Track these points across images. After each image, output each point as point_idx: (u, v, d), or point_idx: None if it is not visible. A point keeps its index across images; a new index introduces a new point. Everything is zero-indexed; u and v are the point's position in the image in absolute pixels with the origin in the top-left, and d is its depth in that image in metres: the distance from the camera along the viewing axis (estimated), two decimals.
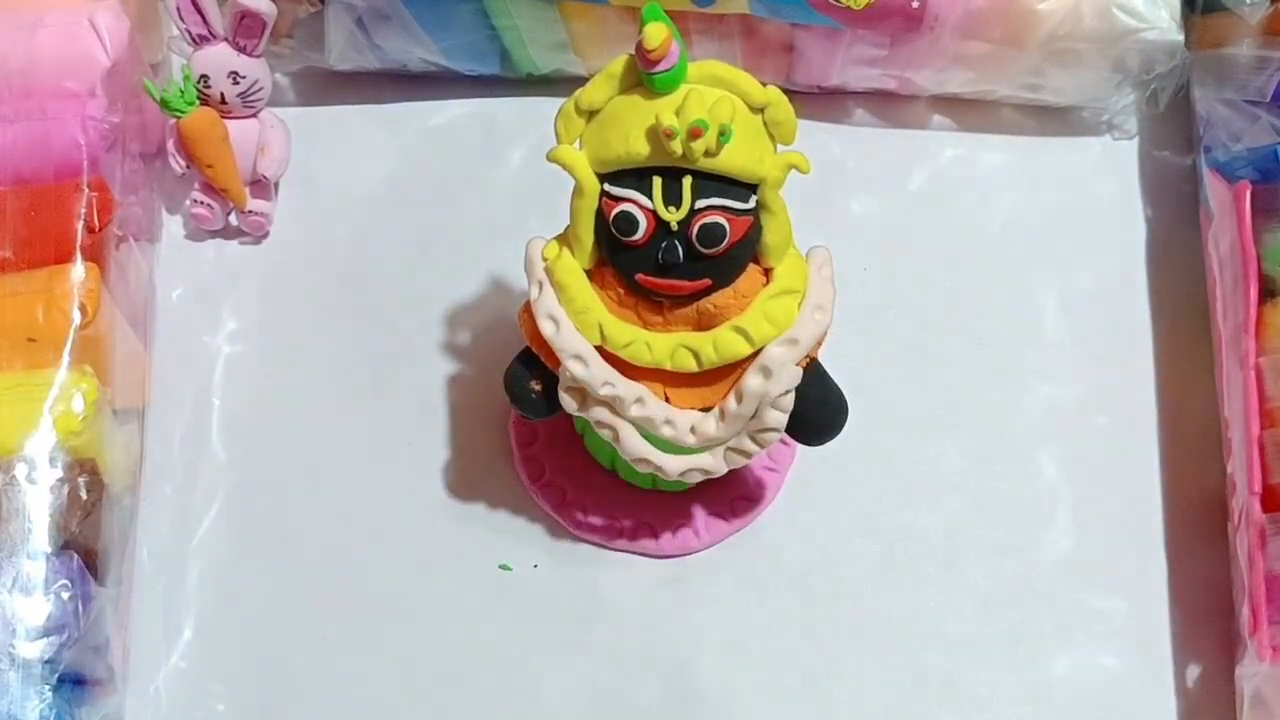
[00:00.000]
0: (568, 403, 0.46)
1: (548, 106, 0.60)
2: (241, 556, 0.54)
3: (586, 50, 0.59)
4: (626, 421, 0.46)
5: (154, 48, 0.58)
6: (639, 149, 0.41)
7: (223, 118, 0.56)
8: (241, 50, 0.55)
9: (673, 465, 0.47)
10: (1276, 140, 0.54)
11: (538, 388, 0.47)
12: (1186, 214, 0.60)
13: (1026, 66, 0.57)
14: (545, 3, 0.56)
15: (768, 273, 0.44)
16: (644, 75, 0.41)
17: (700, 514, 0.54)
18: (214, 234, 0.59)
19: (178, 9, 0.54)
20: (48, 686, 0.46)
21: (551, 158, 0.43)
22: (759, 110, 0.42)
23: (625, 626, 0.53)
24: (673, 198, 0.42)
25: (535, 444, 0.54)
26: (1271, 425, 0.51)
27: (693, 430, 0.46)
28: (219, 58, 0.55)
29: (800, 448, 0.53)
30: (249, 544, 0.54)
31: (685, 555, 0.54)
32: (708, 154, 0.41)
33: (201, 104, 0.55)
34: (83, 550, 0.48)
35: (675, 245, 0.42)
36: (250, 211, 0.58)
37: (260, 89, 0.56)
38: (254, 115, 0.57)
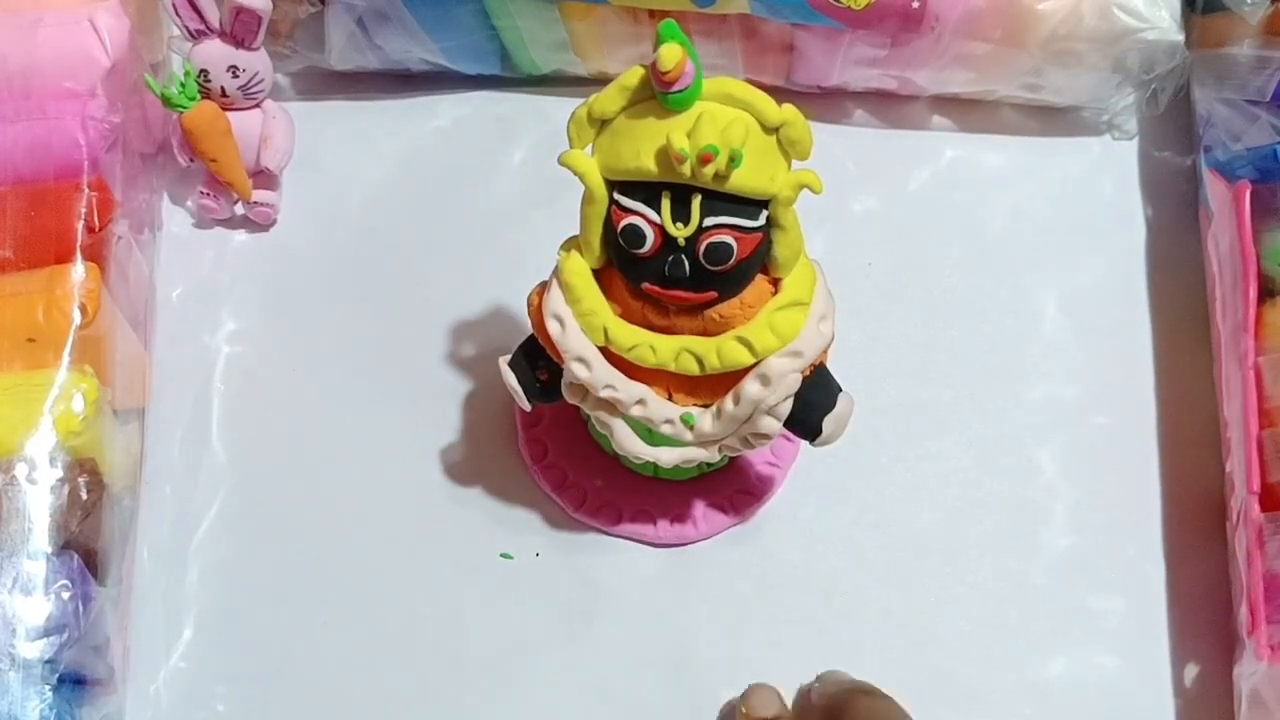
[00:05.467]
0: (570, 397, 0.46)
1: (548, 105, 0.61)
2: (241, 556, 0.54)
3: (586, 50, 0.59)
4: (622, 420, 0.46)
5: (154, 47, 0.58)
6: (649, 165, 0.40)
7: (225, 110, 0.56)
8: (239, 45, 0.55)
9: (668, 458, 0.47)
10: (1276, 140, 0.54)
11: (543, 378, 0.47)
12: (1186, 214, 0.60)
13: (1027, 66, 0.57)
14: (545, 3, 0.55)
15: (776, 282, 0.44)
16: (658, 94, 0.40)
17: (700, 505, 0.54)
18: (216, 229, 0.59)
19: (174, 5, 0.54)
20: (48, 686, 0.46)
21: (563, 162, 0.42)
22: (774, 130, 0.41)
23: (626, 617, 0.53)
24: (681, 215, 0.41)
25: (539, 426, 0.54)
26: (1270, 425, 0.51)
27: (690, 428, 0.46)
28: (217, 52, 0.55)
29: (804, 445, 0.53)
30: (249, 544, 0.54)
31: (682, 545, 0.54)
32: (718, 177, 0.40)
33: (203, 98, 0.55)
34: (83, 550, 0.48)
35: (682, 260, 0.42)
36: (256, 203, 0.58)
37: (261, 80, 0.56)
38: (256, 106, 0.57)
